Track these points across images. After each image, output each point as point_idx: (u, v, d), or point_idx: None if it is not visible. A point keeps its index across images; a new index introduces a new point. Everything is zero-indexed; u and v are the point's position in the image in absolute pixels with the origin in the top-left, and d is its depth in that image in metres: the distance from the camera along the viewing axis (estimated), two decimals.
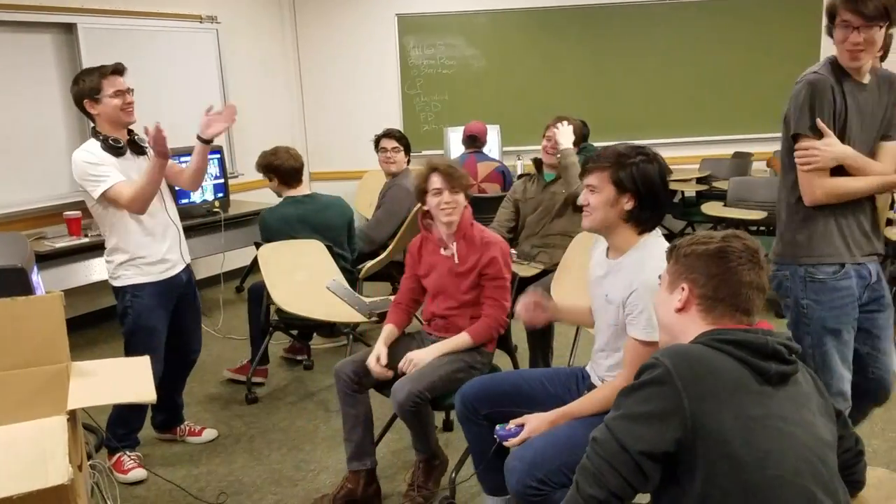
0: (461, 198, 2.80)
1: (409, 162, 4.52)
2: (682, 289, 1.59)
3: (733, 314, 1.58)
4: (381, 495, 2.86)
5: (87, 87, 2.87)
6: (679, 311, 1.59)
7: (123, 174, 2.90)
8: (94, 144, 2.92)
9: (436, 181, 2.77)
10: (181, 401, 3.43)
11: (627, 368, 2.07)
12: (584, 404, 2.13)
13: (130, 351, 3.01)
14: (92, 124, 2.97)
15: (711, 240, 1.60)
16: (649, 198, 2.10)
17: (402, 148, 4.44)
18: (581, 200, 2.20)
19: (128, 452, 3.14)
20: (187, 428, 3.44)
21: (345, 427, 2.80)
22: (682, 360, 1.42)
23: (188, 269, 3.20)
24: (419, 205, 2.96)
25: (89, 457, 2.51)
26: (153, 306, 3.02)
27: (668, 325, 1.64)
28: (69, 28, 4.90)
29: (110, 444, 3.15)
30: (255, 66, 6.53)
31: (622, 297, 2.10)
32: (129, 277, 2.99)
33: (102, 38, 5.04)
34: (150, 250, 3.00)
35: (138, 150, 3.01)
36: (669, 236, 6.23)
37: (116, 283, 3.02)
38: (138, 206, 2.89)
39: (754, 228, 5.85)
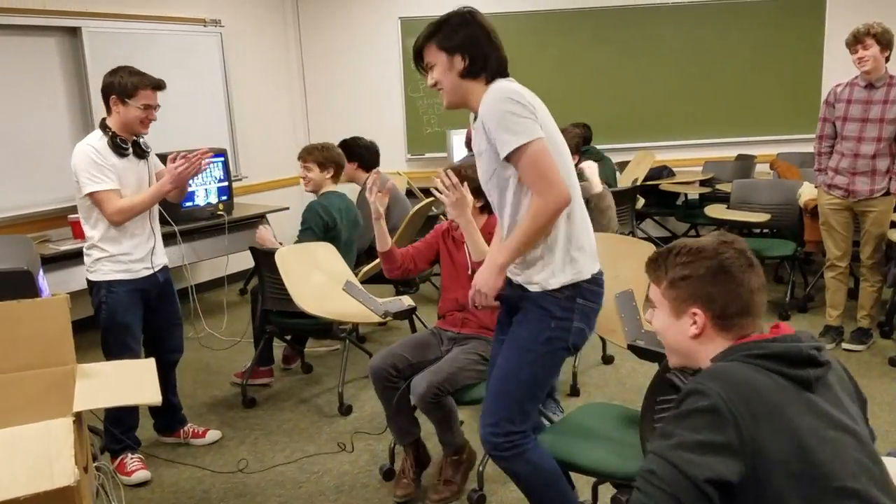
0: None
1: (367, 170, 4.50)
2: (694, 314, 1.53)
3: (750, 322, 1.55)
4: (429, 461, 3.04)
5: (121, 85, 2.92)
6: (696, 336, 1.54)
7: (121, 176, 2.96)
8: (100, 139, 2.96)
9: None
10: (177, 401, 3.44)
11: (532, 186, 2.05)
12: (515, 233, 2.11)
13: (107, 346, 3.07)
14: (104, 116, 3.01)
15: (702, 253, 1.54)
16: (476, 49, 2.17)
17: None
18: (429, 81, 2.25)
19: (129, 454, 3.16)
20: (191, 430, 3.45)
21: (388, 415, 2.93)
22: (729, 385, 1.36)
23: (165, 270, 3.23)
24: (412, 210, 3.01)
25: (94, 458, 2.52)
26: (128, 303, 3.05)
27: (685, 350, 1.58)
28: (74, 32, 4.92)
29: (110, 445, 3.16)
30: (259, 70, 6.55)
31: (483, 138, 2.13)
32: (105, 273, 3.03)
33: (107, 41, 5.06)
34: (128, 249, 3.05)
35: (141, 153, 3.07)
36: (672, 238, 6.24)
37: (92, 277, 3.05)
38: (119, 219, 2.97)
39: (758, 231, 5.85)
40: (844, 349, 4.21)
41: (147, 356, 3.19)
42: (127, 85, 2.92)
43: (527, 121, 2.04)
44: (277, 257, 3.32)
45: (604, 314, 2.98)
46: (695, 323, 1.53)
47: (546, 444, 2.28)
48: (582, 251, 2.15)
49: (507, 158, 2.04)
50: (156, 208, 3.19)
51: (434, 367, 2.74)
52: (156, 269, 3.15)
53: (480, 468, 2.87)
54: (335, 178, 3.90)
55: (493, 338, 2.42)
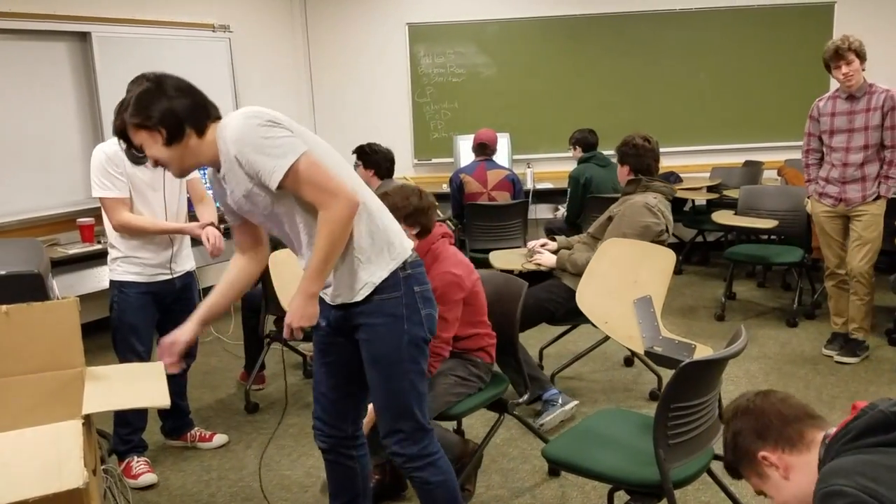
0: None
1: (381, 177, 4.49)
2: (769, 464, 1.54)
3: (812, 423, 1.58)
4: (403, 478, 2.92)
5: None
6: (787, 476, 1.53)
7: (134, 183, 2.99)
8: (115, 145, 2.97)
9: None
10: (185, 404, 3.44)
11: (316, 202, 1.93)
12: (315, 253, 1.96)
13: (114, 344, 3.12)
14: None
15: (737, 415, 1.63)
16: (172, 117, 1.97)
17: (360, 163, 4.48)
18: (150, 163, 2.09)
19: (136, 457, 3.16)
20: (198, 433, 3.45)
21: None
22: (852, 475, 1.34)
23: (185, 277, 3.23)
24: None
25: (102, 461, 2.52)
26: (138, 305, 3.08)
27: (794, 491, 1.54)
28: (84, 37, 4.95)
29: (117, 448, 3.17)
30: (267, 75, 6.57)
31: (243, 178, 1.97)
32: (121, 273, 3.07)
33: (116, 46, 5.09)
34: (144, 253, 3.07)
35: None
36: (679, 245, 6.23)
37: (111, 276, 3.11)
38: (122, 230, 3.02)
39: (765, 237, 5.83)
40: (836, 361, 4.17)
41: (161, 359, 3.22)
42: None
43: (283, 139, 1.90)
44: (270, 260, 3.32)
45: (622, 320, 2.99)
46: (778, 470, 1.53)
47: (562, 449, 2.28)
48: (395, 235, 2.12)
49: (280, 186, 1.91)
50: (184, 214, 3.20)
51: None
52: (175, 275, 3.16)
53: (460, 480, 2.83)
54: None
55: (314, 363, 2.31)
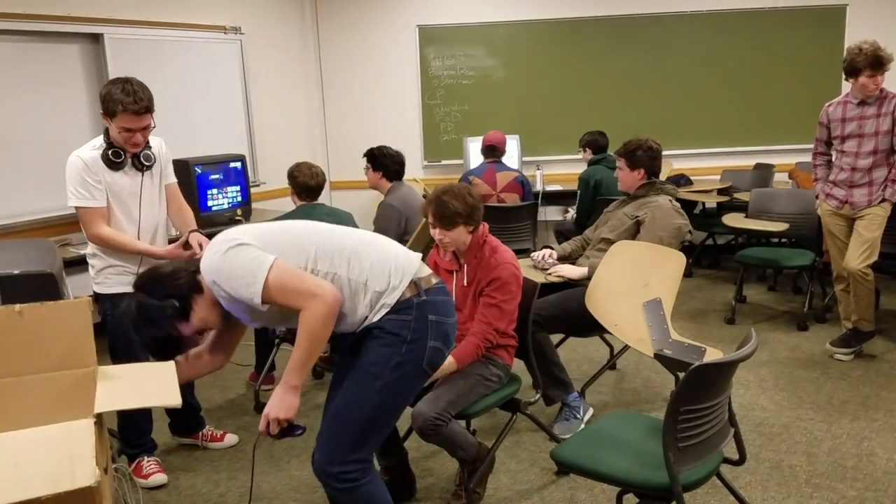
0: (457, 232, 2.82)
1: (391, 179, 4.49)
2: None
3: None
4: (415, 484, 2.94)
5: (105, 102, 2.82)
6: None
7: (113, 189, 2.89)
8: (95, 149, 2.90)
9: (430, 217, 2.86)
10: (195, 402, 3.45)
11: (297, 305, 1.99)
12: (297, 348, 2.04)
13: (114, 355, 3.00)
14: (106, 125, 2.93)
15: None
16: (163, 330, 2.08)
17: (369, 166, 4.47)
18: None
19: (146, 457, 3.17)
20: (209, 433, 3.46)
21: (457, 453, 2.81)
22: None
23: None
24: (423, 218, 2.99)
25: (113, 461, 2.54)
26: None
27: None
28: (96, 38, 4.98)
29: (125, 450, 3.17)
30: (278, 77, 6.59)
31: (235, 304, 2.06)
32: (110, 286, 2.98)
33: (128, 48, 5.12)
34: (124, 261, 2.98)
35: (140, 166, 2.96)
36: (689, 248, 6.21)
37: (98, 290, 3.01)
38: (98, 242, 2.94)
39: (776, 240, 5.81)
40: (836, 358, 4.21)
41: None
42: (108, 104, 2.79)
43: (248, 262, 1.98)
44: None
45: (632, 323, 2.99)
46: None
47: (571, 451, 2.27)
48: (401, 258, 2.14)
49: (265, 302, 1.99)
50: (164, 221, 3.09)
51: (432, 394, 2.65)
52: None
53: (471, 483, 2.82)
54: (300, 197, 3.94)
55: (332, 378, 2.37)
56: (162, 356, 2.09)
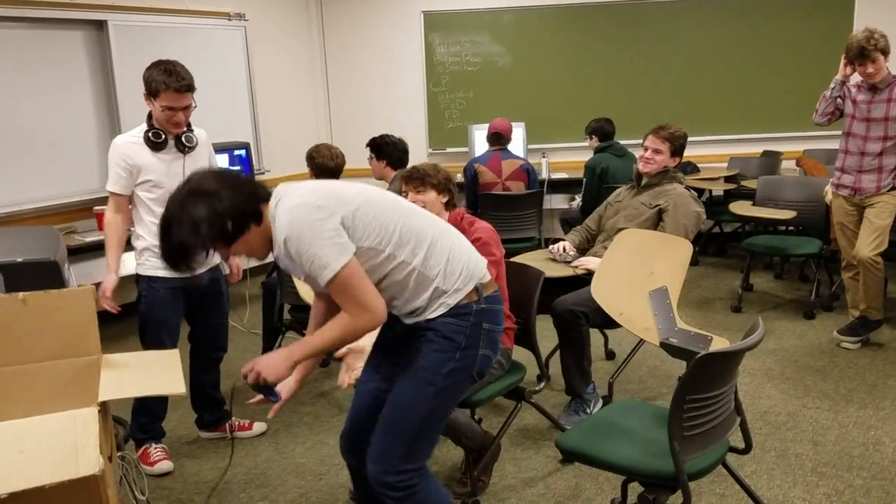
0: (430, 196, 2.83)
1: (395, 167, 4.47)
2: None
3: None
4: None
5: (148, 83, 2.92)
6: None
7: (151, 168, 2.97)
8: (138, 133, 2.99)
9: (403, 185, 2.90)
10: (220, 397, 3.43)
11: (344, 308, 1.93)
12: (322, 335, 1.98)
13: (143, 337, 3.11)
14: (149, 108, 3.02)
15: None
16: (223, 218, 1.92)
17: (373, 155, 4.46)
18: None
19: (153, 444, 3.19)
20: (237, 423, 3.45)
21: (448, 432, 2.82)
22: None
23: (212, 271, 3.20)
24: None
25: (118, 448, 2.54)
26: (167, 300, 3.07)
27: None
28: (100, 25, 4.96)
29: (135, 435, 3.19)
30: (282, 64, 6.56)
31: (292, 262, 1.95)
32: (149, 268, 3.05)
33: (132, 35, 5.10)
34: None
35: (183, 148, 3.03)
36: (696, 236, 6.17)
37: (139, 270, 3.10)
38: (104, 225, 3.07)
39: (783, 228, 5.78)
40: (843, 346, 4.21)
41: (192, 351, 3.28)
42: (151, 84, 2.90)
43: (327, 247, 1.86)
44: None
45: (637, 311, 2.97)
46: None
47: (577, 439, 2.27)
48: (470, 260, 2.08)
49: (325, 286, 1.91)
50: None
51: None
52: (200, 270, 3.07)
53: (474, 472, 2.82)
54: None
55: (363, 377, 2.28)
56: (172, 262, 1.94)
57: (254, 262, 2.28)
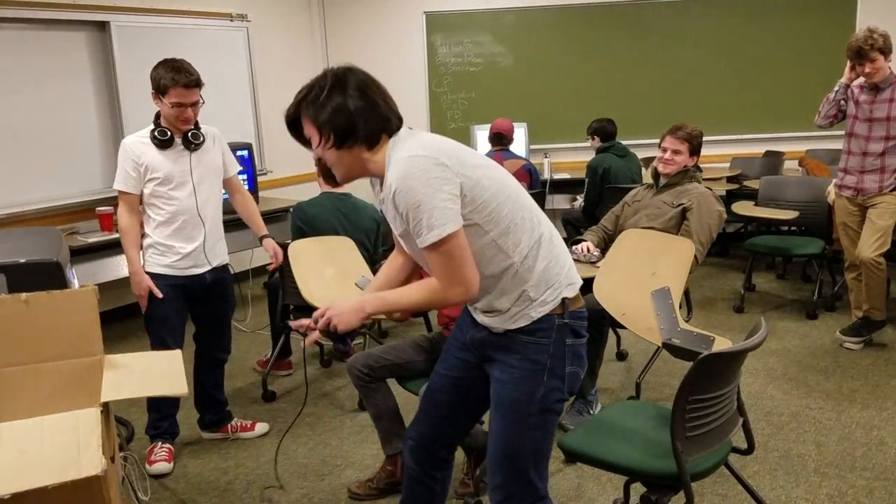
0: None
1: None
2: None
3: None
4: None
5: (156, 81, 2.93)
6: None
7: (158, 166, 2.99)
8: (146, 132, 3.01)
9: None
10: (223, 398, 3.43)
11: (437, 276, 1.81)
12: (401, 294, 1.89)
13: (149, 334, 3.13)
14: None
15: None
16: (343, 118, 1.84)
17: None
18: (313, 156, 2.01)
19: (160, 443, 3.20)
20: (238, 424, 3.45)
21: (371, 416, 2.87)
22: None
23: (217, 271, 3.20)
24: None
25: (121, 448, 2.54)
26: (170, 297, 3.08)
27: None
28: (102, 26, 4.97)
29: (148, 432, 3.24)
30: (285, 64, 6.56)
31: (395, 213, 1.83)
32: (152, 265, 3.08)
33: (135, 35, 5.11)
34: (170, 242, 3.07)
35: (189, 144, 3.04)
36: None
37: (145, 267, 3.11)
38: (118, 227, 3.08)
39: (786, 229, 5.77)
40: (846, 347, 4.20)
41: (196, 351, 3.30)
42: (159, 81, 2.92)
43: (442, 210, 1.72)
44: (290, 250, 3.33)
45: (640, 311, 2.97)
46: None
47: (579, 440, 2.27)
48: (564, 269, 1.93)
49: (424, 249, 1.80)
50: (215, 209, 3.18)
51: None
52: (203, 270, 3.14)
53: (477, 472, 2.82)
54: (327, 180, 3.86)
55: (435, 370, 2.16)
56: (288, 125, 1.95)
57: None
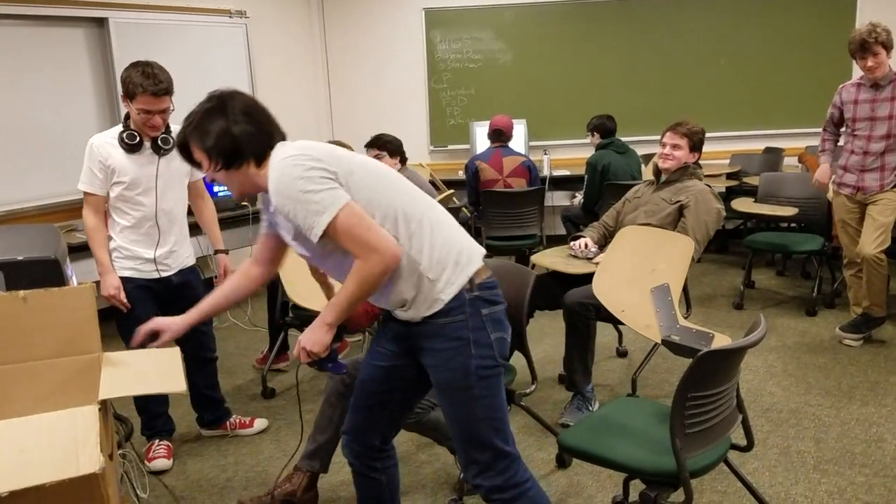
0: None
1: (403, 163, 4.56)
2: None
3: None
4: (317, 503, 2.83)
5: (125, 84, 2.86)
6: None
7: (125, 170, 2.93)
8: (114, 131, 2.95)
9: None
10: (219, 396, 3.42)
11: (354, 255, 1.86)
12: (342, 291, 1.92)
13: (122, 337, 3.03)
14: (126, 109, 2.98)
15: None
16: (226, 142, 1.93)
17: (385, 153, 4.47)
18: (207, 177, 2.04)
19: (157, 441, 3.20)
20: (237, 421, 3.44)
21: (316, 425, 2.79)
22: None
23: (184, 273, 3.17)
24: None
25: (119, 446, 2.54)
26: (141, 298, 3.03)
27: None
28: (101, 22, 4.95)
29: (143, 431, 3.23)
30: (283, 61, 6.55)
31: (288, 225, 1.94)
32: (118, 269, 3.02)
33: (133, 32, 5.10)
34: (135, 248, 3.02)
35: (158, 149, 2.98)
36: None
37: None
38: (84, 227, 3.02)
39: (785, 225, 5.77)
40: (845, 344, 4.20)
41: (183, 354, 3.24)
42: (128, 86, 2.83)
43: (323, 193, 1.83)
44: None
45: (639, 309, 2.96)
46: None
47: (578, 437, 2.27)
48: (464, 247, 2.00)
49: (321, 238, 1.86)
50: (180, 210, 3.13)
51: None
52: (165, 273, 3.10)
53: (461, 475, 2.82)
54: None
55: (362, 365, 2.20)
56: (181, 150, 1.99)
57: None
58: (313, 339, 1.95)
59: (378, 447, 2.23)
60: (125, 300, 2.99)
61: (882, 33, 3.83)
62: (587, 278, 3.43)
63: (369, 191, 1.91)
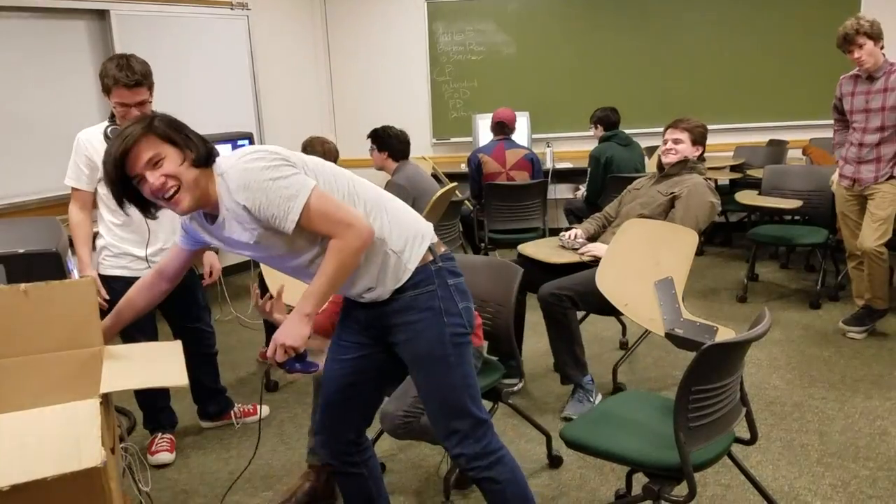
0: None
1: (402, 159, 4.51)
2: None
3: None
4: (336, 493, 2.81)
5: (102, 79, 2.80)
6: None
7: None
8: (100, 127, 2.92)
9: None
10: (221, 387, 3.43)
11: (330, 235, 1.88)
12: (319, 275, 1.90)
13: (120, 334, 3.00)
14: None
15: None
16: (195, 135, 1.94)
17: (374, 147, 4.47)
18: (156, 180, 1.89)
19: (160, 434, 3.20)
20: (241, 410, 3.45)
21: (313, 417, 2.75)
22: None
23: None
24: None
25: (121, 440, 2.54)
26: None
27: None
28: (102, 14, 4.94)
29: (146, 425, 3.23)
30: (285, 53, 6.53)
31: (254, 223, 1.89)
32: (106, 268, 2.99)
33: (135, 24, 5.08)
34: (125, 246, 2.99)
35: None
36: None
37: (100, 270, 3.01)
38: (69, 221, 2.96)
39: (789, 218, 5.75)
40: (849, 336, 4.19)
41: (186, 350, 3.24)
42: (104, 79, 2.77)
43: (291, 178, 1.84)
44: None
45: (643, 302, 2.95)
46: None
47: (581, 431, 2.26)
48: (420, 225, 2.05)
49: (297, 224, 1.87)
50: (170, 215, 3.08)
51: (399, 390, 2.55)
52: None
53: (447, 475, 2.80)
54: None
55: (326, 362, 2.19)
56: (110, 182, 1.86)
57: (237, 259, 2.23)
58: (292, 332, 1.91)
59: (354, 441, 2.24)
60: (105, 295, 2.91)
61: (865, 24, 3.83)
62: (572, 268, 3.44)
63: (324, 177, 1.95)
